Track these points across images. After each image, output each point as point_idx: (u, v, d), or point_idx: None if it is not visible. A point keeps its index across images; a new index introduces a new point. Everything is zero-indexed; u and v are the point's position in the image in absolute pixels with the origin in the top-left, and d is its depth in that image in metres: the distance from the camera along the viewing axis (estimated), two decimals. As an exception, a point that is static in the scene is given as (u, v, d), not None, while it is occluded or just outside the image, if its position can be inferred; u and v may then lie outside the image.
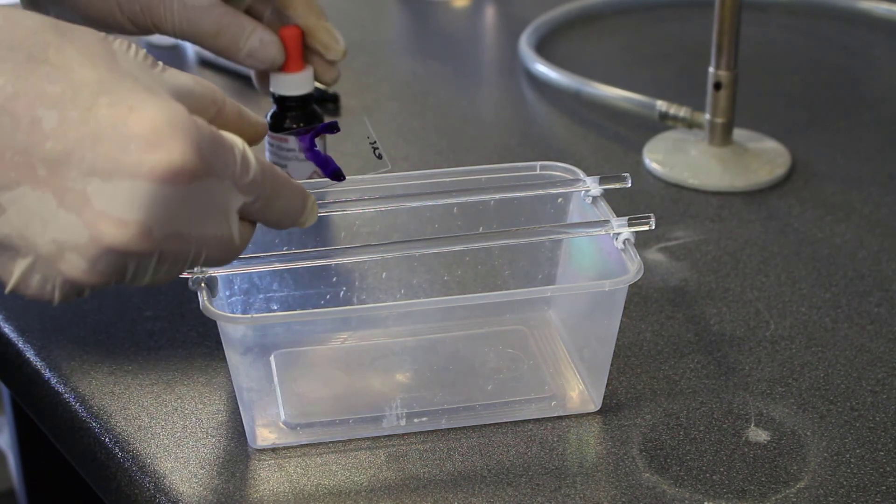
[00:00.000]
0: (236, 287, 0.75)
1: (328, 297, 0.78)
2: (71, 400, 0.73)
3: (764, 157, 0.97)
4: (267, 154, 0.86)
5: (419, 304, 0.69)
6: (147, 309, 0.80)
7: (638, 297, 0.81)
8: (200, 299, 0.65)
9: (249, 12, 0.81)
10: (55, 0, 0.77)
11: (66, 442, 0.74)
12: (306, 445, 0.69)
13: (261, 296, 0.76)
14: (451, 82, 1.14)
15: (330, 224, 0.78)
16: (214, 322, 0.65)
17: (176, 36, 0.78)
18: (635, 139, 1.01)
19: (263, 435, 0.70)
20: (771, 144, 0.99)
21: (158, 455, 0.69)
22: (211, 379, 0.74)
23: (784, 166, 0.97)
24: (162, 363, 0.76)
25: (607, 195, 0.74)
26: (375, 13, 1.30)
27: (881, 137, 1.03)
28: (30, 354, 0.77)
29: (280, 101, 0.84)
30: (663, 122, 1.01)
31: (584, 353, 0.74)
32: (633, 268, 0.68)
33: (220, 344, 0.68)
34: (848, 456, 0.68)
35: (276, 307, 0.77)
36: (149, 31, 0.78)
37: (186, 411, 0.72)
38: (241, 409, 0.69)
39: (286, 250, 0.72)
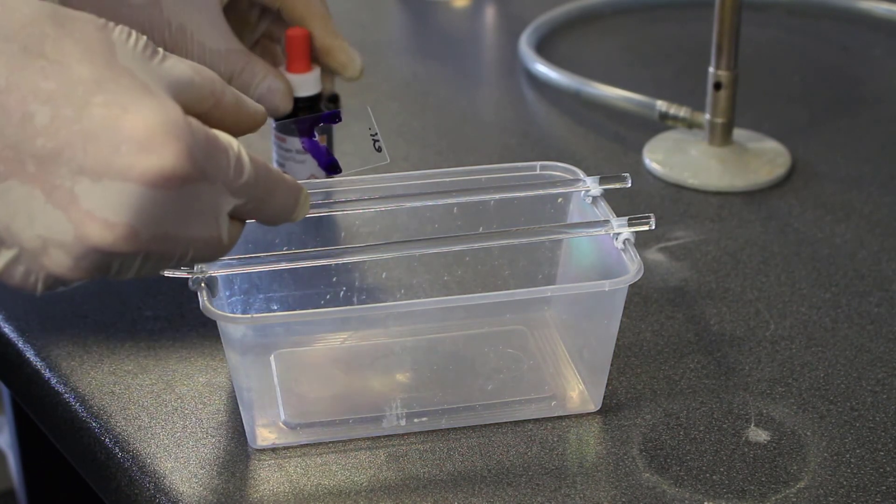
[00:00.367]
0: (236, 287, 0.75)
1: (328, 297, 0.78)
2: (71, 400, 0.73)
3: (764, 157, 0.97)
4: (273, 153, 0.86)
5: (419, 304, 0.69)
6: (147, 309, 0.80)
7: (638, 297, 0.81)
8: (200, 299, 0.65)
9: (265, 34, 0.83)
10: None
11: (66, 442, 0.74)
12: (306, 445, 0.69)
13: (261, 296, 0.76)
14: (451, 82, 1.14)
15: (330, 224, 0.78)
16: (214, 322, 0.65)
17: None
18: (635, 139, 1.01)
19: (263, 435, 0.70)
20: (771, 144, 0.99)
21: (158, 455, 0.69)
22: (211, 379, 0.74)
23: (784, 166, 0.97)
24: (162, 363, 0.76)
25: (607, 195, 0.74)
26: (375, 13, 1.30)
27: (881, 137, 1.03)
28: (30, 354, 0.77)
29: None
30: (663, 122, 1.01)
31: (584, 353, 0.74)
32: (633, 268, 0.68)
33: (220, 344, 0.68)
34: (848, 456, 0.68)
35: (276, 307, 0.77)
36: None
37: (186, 411, 0.72)
38: (241, 409, 0.69)
39: (286, 250, 0.72)
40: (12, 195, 0.51)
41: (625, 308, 0.70)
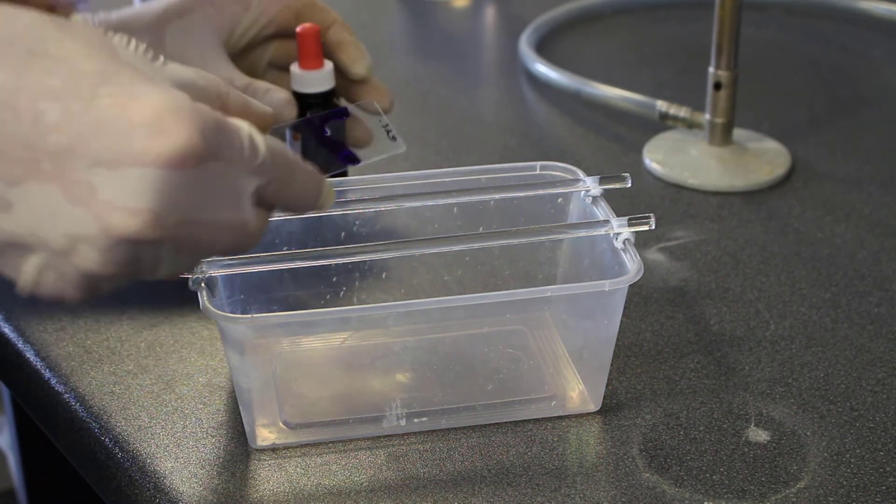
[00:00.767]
0: (236, 287, 0.75)
1: (328, 297, 0.78)
2: (71, 400, 0.73)
3: (764, 157, 0.97)
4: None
5: (419, 304, 0.69)
6: (147, 309, 0.80)
7: (638, 297, 0.81)
8: (200, 299, 0.65)
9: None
10: None
11: (66, 442, 0.74)
12: (306, 445, 0.69)
13: (261, 296, 0.76)
14: (451, 82, 1.14)
15: (330, 224, 0.78)
16: (214, 322, 0.65)
17: None
18: (635, 139, 1.01)
19: (263, 435, 0.70)
20: (771, 144, 0.99)
21: (158, 455, 0.69)
22: (211, 379, 0.74)
23: (784, 166, 0.97)
24: (162, 363, 0.76)
25: (607, 195, 0.74)
26: (375, 13, 1.30)
27: (881, 137, 1.03)
28: (30, 354, 0.77)
29: (300, 98, 0.84)
30: (663, 122, 1.01)
31: (584, 353, 0.74)
32: (633, 268, 0.68)
33: (220, 344, 0.68)
34: (848, 456, 0.68)
35: (276, 307, 0.77)
36: None
37: (186, 411, 0.72)
38: (241, 409, 0.69)
39: (286, 250, 0.72)
40: (32, 198, 0.51)
41: (625, 308, 0.70)
